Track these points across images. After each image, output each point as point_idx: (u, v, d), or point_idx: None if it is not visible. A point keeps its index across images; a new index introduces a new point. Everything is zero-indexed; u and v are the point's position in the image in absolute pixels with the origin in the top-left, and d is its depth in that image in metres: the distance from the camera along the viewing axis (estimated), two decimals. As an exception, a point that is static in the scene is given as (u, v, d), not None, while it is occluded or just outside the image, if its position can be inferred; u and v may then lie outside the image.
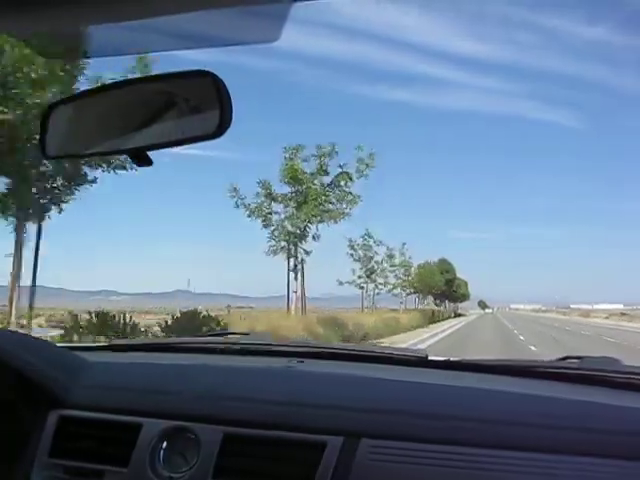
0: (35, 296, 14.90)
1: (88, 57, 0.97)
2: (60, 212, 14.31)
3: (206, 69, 1.00)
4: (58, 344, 1.84)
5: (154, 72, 1.06)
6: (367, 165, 22.31)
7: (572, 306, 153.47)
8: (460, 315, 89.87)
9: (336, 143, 22.47)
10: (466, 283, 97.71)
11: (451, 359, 1.82)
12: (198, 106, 1.02)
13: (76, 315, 14.75)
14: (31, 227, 14.33)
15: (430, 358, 1.79)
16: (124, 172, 14.26)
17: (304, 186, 22.05)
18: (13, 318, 13.91)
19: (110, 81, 1.11)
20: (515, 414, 1.37)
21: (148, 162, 1.04)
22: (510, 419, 1.35)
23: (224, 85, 0.97)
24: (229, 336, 2.23)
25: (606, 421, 1.33)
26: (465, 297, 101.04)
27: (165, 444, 1.45)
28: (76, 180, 14.00)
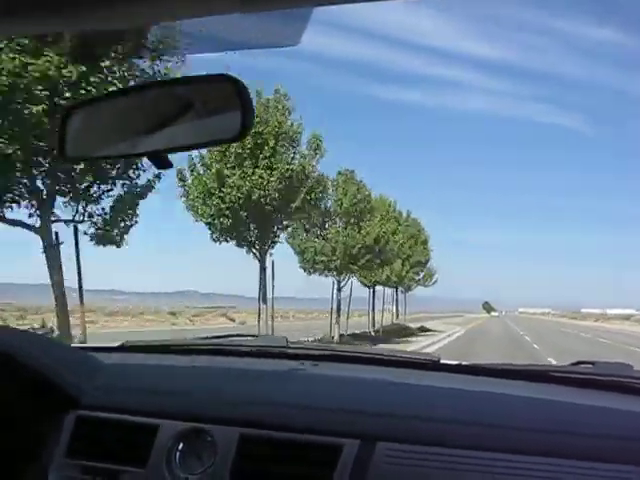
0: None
1: (114, 59, 0.97)
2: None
3: (228, 73, 1.00)
4: (72, 345, 1.85)
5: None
6: None
7: (584, 310, 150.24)
8: (420, 333, 33.32)
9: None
10: (424, 236, 40.05)
11: (464, 363, 1.81)
12: (219, 109, 1.00)
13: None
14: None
15: (443, 362, 1.78)
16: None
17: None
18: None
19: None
20: (529, 419, 1.36)
21: (168, 165, 1.04)
22: (524, 424, 1.34)
23: (245, 88, 0.98)
24: (242, 338, 2.19)
25: (620, 427, 1.32)
26: (407, 266, 35.55)
27: (182, 445, 1.45)
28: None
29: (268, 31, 0.91)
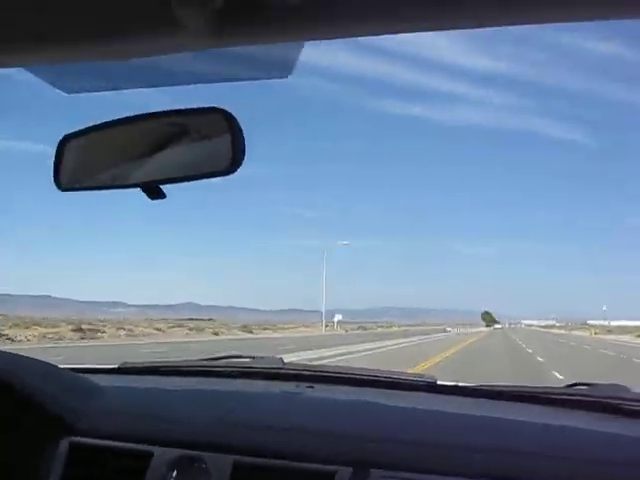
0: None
1: (100, 90, 1.01)
2: None
3: (219, 106, 1.01)
4: (66, 366, 1.77)
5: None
6: None
7: (590, 322, 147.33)
8: None
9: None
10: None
11: (460, 384, 1.80)
12: (211, 142, 1.02)
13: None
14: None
15: (439, 383, 1.78)
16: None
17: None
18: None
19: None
20: (527, 444, 1.35)
21: (161, 195, 1.06)
22: (522, 449, 1.33)
23: (236, 121, 0.99)
24: (239, 359, 2.18)
25: (615, 453, 1.31)
26: None
27: (175, 473, 1.44)
28: None
29: (257, 63, 0.88)
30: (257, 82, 0.97)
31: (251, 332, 51.91)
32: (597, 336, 65.98)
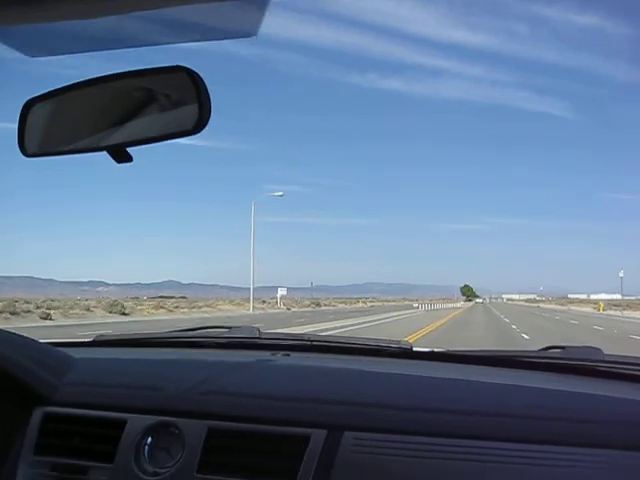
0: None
1: (65, 53, 0.97)
2: None
3: (182, 64, 0.99)
4: (42, 340, 1.78)
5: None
6: None
7: (570, 296, 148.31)
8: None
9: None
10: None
11: (435, 350, 1.81)
12: (176, 102, 1.00)
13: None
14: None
15: (415, 349, 1.79)
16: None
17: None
18: None
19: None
20: (499, 405, 1.37)
21: (128, 159, 1.04)
22: (494, 410, 1.35)
23: (202, 80, 0.98)
24: (215, 330, 2.16)
25: (589, 411, 1.33)
26: None
27: (150, 440, 1.44)
28: None
29: (223, 21, 0.84)
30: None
31: (124, 314, 36.07)
32: (607, 312, 52.52)
